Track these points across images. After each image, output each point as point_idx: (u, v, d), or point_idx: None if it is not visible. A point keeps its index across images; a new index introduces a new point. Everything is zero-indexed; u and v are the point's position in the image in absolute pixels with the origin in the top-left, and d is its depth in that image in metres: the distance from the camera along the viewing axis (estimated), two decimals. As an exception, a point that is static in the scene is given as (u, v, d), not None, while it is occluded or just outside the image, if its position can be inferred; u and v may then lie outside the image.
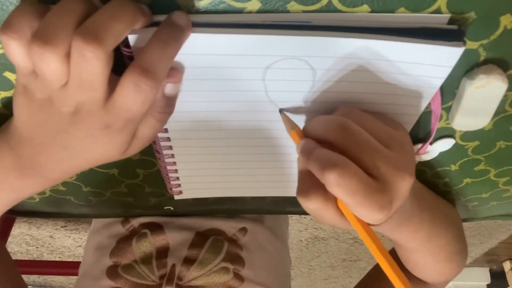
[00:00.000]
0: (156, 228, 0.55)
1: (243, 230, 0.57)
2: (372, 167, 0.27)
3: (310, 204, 0.28)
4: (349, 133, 0.28)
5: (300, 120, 0.34)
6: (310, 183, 0.28)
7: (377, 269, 0.58)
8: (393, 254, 0.54)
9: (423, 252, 0.45)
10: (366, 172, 0.27)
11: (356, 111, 0.30)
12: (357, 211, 0.27)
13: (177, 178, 0.42)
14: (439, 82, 0.31)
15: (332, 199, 0.28)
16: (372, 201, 0.27)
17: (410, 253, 0.47)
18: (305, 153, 0.29)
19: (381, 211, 0.27)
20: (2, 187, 0.33)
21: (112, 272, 0.52)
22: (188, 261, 0.51)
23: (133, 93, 0.25)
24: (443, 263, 0.48)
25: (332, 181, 0.26)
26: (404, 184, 0.28)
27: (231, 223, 0.57)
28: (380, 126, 0.30)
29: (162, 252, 0.53)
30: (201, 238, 0.54)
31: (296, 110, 0.33)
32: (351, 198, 0.26)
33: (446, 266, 0.49)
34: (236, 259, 0.53)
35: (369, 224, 0.29)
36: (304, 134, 0.31)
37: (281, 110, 0.33)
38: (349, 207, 0.28)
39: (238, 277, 0.52)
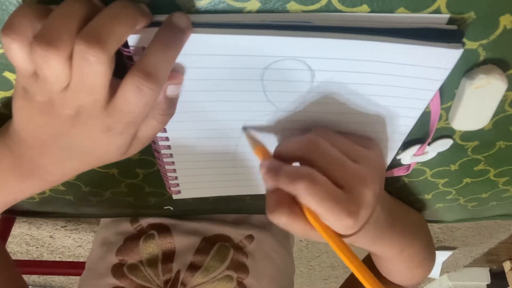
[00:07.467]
0: (163, 230, 0.55)
1: (250, 237, 0.57)
2: (338, 178, 0.29)
3: (278, 219, 0.30)
4: (318, 147, 0.30)
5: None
6: (276, 200, 0.30)
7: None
8: (369, 260, 0.56)
9: (397, 260, 0.48)
10: (333, 183, 0.29)
11: (327, 131, 0.33)
12: (328, 218, 0.29)
13: (176, 178, 0.42)
14: (437, 84, 0.31)
15: (298, 214, 0.30)
16: (341, 206, 0.28)
17: (384, 261, 0.50)
18: (272, 171, 0.30)
19: (350, 217, 0.29)
20: (1, 188, 0.33)
21: (118, 270, 0.52)
22: (193, 267, 0.52)
23: (135, 96, 0.25)
24: (414, 269, 0.51)
25: (303, 190, 0.28)
26: (367, 191, 0.30)
27: (239, 230, 0.57)
28: (347, 143, 0.32)
29: (168, 256, 0.53)
30: (207, 244, 0.54)
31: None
32: (321, 205, 0.28)
33: (417, 271, 0.52)
34: (240, 267, 0.54)
35: (341, 235, 0.30)
36: (276, 152, 0.32)
37: (244, 129, 0.35)
38: (320, 215, 0.29)
39: (242, 285, 0.52)
